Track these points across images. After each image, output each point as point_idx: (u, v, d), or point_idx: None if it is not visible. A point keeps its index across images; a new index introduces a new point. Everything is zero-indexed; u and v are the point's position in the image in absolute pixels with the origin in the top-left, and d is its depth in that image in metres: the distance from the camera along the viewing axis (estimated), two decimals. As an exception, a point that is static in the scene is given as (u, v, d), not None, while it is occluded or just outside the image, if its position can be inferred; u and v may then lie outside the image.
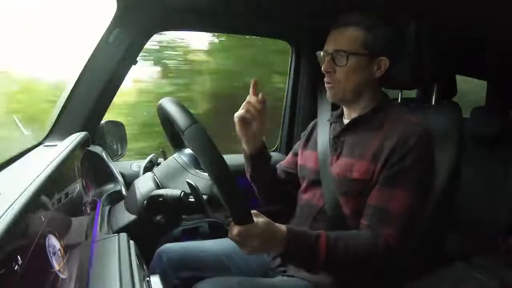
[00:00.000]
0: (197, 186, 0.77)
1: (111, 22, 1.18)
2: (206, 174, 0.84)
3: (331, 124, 1.06)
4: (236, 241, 0.77)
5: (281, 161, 1.21)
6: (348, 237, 0.84)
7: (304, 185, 1.07)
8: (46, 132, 1.15)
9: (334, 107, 1.08)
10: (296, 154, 1.15)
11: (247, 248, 0.78)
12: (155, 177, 0.89)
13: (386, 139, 0.90)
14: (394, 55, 0.94)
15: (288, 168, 1.17)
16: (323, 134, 1.05)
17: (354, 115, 0.99)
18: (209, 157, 0.70)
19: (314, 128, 1.13)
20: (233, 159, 1.64)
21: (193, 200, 0.79)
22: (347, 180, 0.92)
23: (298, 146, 1.17)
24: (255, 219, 0.76)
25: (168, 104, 0.79)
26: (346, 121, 1.01)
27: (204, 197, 0.80)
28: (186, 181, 0.78)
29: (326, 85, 0.97)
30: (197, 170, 0.89)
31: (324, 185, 0.97)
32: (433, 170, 0.92)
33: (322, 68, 0.95)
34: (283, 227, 0.81)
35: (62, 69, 1.42)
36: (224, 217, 0.87)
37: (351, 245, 0.82)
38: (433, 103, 1.09)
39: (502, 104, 1.99)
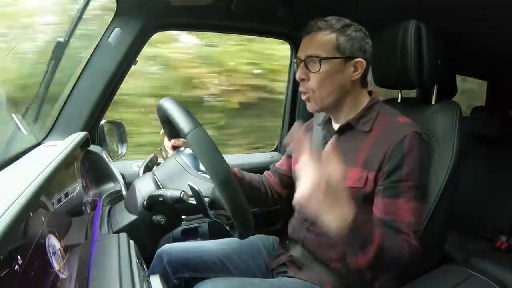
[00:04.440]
0: (199, 190, 0.78)
1: (111, 22, 1.18)
2: (206, 175, 0.85)
3: (322, 128, 1.04)
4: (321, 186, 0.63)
5: (275, 163, 1.20)
6: (390, 235, 0.80)
7: None
8: (46, 132, 1.15)
9: None
10: (290, 156, 1.14)
11: (319, 187, 0.64)
12: (155, 177, 0.89)
13: (377, 144, 0.88)
14: (391, 55, 0.93)
15: (282, 170, 1.15)
16: (317, 138, 1.03)
17: (342, 120, 0.96)
18: (212, 161, 0.71)
19: (307, 130, 1.11)
20: (235, 159, 1.64)
21: (194, 202, 0.79)
22: None
23: (291, 148, 1.14)
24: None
25: (169, 105, 0.79)
26: (335, 125, 0.99)
27: (206, 199, 0.80)
28: (188, 184, 0.78)
29: (302, 96, 0.94)
30: (197, 171, 0.89)
31: None
32: (430, 168, 0.91)
33: (296, 76, 0.93)
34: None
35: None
36: (226, 219, 0.86)
37: (394, 243, 0.78)
38: (433, 103, 1.09)
39: (502, 104, 1.99)
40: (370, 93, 0.98)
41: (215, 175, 0.72)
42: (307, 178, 0.64)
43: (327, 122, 1.02)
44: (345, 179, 0.68)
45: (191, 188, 0.77)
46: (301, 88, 0.94)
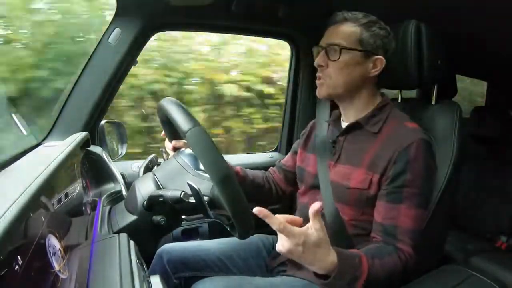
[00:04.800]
0: (198, 189, 0.78)
1: (111, 22, 1.18)
2: (206, 174, 0.84)
3: (328, 125, 1.04)
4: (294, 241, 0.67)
5: (281, 160, 1.21)
6: (380, 254, 0.80)
7: (302, 188, 1.06)
8: (46, 132, 1.15)
9: (333, 107, 1.07)
10: (295, 153, 1.14)
11: (297, 249, 0.68)
12: (155, 177, 0.89)
13: (384, 147, 0.88)
14: (391, 55, 0.93)
15: (287, 166, 1.16)
16: (321, 136, 1.03)
17: (351, 118, 0.96)
18: (211, 160, 0.71)
19: (313, 128, 1.11)
20: (235, 159, 1.64)
21: (193, 201, 0.79)
22: (343, 188, 0.91)
23: (297, 145, 1.16)
24: (315, 231, 0.68)
25: (169, 105, 0.79)
26: (344, 124, 0.99)
27: (205, 198, 0.80)
28: (187, 183, 0.78)
29: (317, 81, 0.95)
30: (197, 171, 0.89)
31: (322, 190, 0.95)
32: (434, 176, 0.91)
33: (315, 62, 0.94)
34: (332, 249, 0.73)
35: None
36: (226, 219, 0.86)
37: (385, 263, 0.79)
38: (433, 103, 1.09)
39: (502, 104, 1.99)
40: (382, 94, 0.99)
41: (214, 173, 0.72)
42: (286, 239, 0.68)
43: (336, 120, 1.02)
44: (325, 234, 0.71)
45: (190, 186, 0.77)
46: (318, 74, 0.94)
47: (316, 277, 0.75)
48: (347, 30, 0.90)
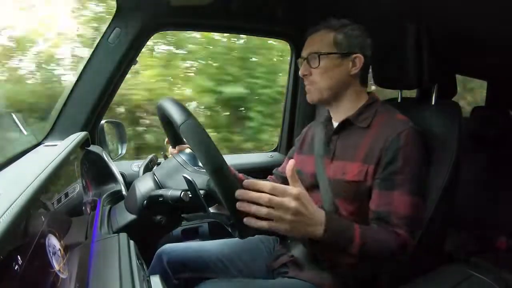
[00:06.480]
0: (194, 181, 0.77)
1: (111, 22, 1.18)
2: (202, 170, 0.84)
3: (325, 126, 1.07)
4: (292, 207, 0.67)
5: (278, 167, 1.22)
6: (372, 228, 0.83)
7: None
8: (46, 132, 1.15)
9: None
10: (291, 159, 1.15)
11: (301, 207, 0.68)
12: (155, 177, 0.89)
13: (375, 139, 0.91)
14: (391, 55, 0.95)
15: (284, 174, 1.16)
16: (319, 137, 1.05)
17: (341, 117, 0.99)
18: (204, 151, 0.71)
19: (307, 133, 1.14)
20: (235, 159, 1.64)
21: (191, 196, 0.79)
22: (341, 182, 0.93)
23: (292, 151, 1.19)
24: (300, 190, 0.69)
25: (165, 103, 0.79)
26: (335, 123, 1.02)
27: (202, 192, 0.80)
28: (183, 176, 0.78)
29: (305, 88, 1.00)
30: (194, 167, 0.89)
31: (321, 188, 0.97)
32: (426, 165, 0.93)
33: (299, 73, 1.00)
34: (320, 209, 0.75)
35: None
36: (226, 219, 0.86)
37: (377, 237, 0.80)
38: (433, 103, 1.09)
39: (502, 104, 1.99)
40: (369, 93, 1.01)
41: (208, 164, 0.71)
42: (289, 200, 0.68)
43: (328, 121, 1.05)
44: (306, 194, 0.71)
45: (186, 179, 0.77)
46: (304, 82, 1.01)
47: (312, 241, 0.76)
48: (322, 37, 0.96)
